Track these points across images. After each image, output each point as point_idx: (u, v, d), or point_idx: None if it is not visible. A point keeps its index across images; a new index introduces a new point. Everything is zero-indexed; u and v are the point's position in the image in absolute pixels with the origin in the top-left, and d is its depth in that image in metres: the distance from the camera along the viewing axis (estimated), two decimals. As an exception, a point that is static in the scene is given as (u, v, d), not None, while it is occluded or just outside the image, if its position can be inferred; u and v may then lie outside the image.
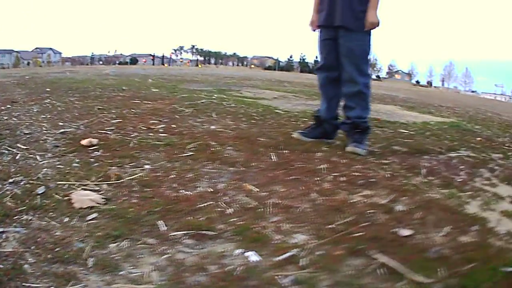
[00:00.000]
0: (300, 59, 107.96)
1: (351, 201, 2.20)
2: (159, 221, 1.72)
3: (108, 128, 3.45)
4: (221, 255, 1.51)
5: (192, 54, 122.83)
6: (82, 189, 2.03)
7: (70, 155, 2.63)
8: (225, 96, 6.80)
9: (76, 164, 2.44)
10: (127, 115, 4.18)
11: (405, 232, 1.87)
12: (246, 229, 1.71)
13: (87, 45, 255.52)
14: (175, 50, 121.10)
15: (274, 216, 1.89)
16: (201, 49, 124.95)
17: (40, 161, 2.48)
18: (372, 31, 3.43)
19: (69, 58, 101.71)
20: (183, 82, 10.07)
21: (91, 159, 2.54)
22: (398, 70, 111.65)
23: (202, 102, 5.64)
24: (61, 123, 3.60)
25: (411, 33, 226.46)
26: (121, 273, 1.38)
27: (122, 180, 2.18)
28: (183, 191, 2.11)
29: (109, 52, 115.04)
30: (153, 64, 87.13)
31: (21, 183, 2.08)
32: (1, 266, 1.35)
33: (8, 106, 4.57)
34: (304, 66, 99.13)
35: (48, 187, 2.05)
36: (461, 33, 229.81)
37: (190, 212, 1.84)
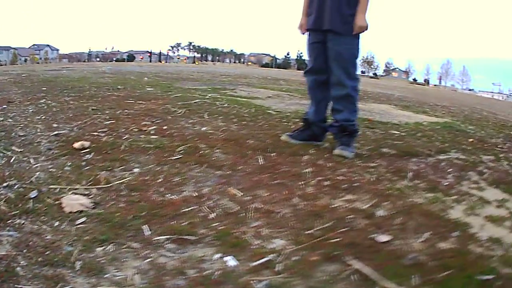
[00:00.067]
0: (297, 57, 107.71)
1: (333, 206, 2.24)
2: (144, 226, 1.80)
3: (101, 130, 3.52)
4: (200, 259, 1.59)
5: (189, 51, 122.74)
6: (73, 193, 2.11)
7: (63, 158, 2.71)
8: (218, 96, 6.85)
9: (68, 168, 2.51)
10: (120, 116, 4.25)
11: (383, 238, 1.90)
12: (227, 234, 1.78)
13: (85, 42, 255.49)
14: (172, 47, 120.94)
15: (255, 221, 1.96)
16: (198, 46, 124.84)
17: (34, 164, 2.55)
18: (360, 34, 3.46)
19: (66, 54, 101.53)
20: (179, 81, 10.11)
21: (83, 163, 2.62)
22: (395, 68, 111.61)
23: (195, 102, 5.70)
24: (55, 125, 3.67)
25: (408, 31, 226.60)
26: (106, 276, 1.46)
27: (111, 184, 2.26)
28: (169, 195, 2.18)
29: (106, 48, 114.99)
30: (150, 61, 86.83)
31: (15, 187, 2.16)
32: (-5, 268, 1.43)
33: (4, 106, 4.64)
34: (301, 64, 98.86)
35: (40, 191, 2.12)
36: (459, 31, 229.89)
37: (174, 216, 1.92)
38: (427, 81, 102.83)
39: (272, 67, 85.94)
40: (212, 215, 1.98)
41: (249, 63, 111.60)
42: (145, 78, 10.14)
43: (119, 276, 1.47)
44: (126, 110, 4.62)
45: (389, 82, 49.57)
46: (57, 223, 1.80)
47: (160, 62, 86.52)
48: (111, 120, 3.99)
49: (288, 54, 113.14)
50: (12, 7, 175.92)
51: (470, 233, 2.08)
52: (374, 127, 4.99)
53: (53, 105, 4.81)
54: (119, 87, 7.23)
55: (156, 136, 3.46)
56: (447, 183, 2.89)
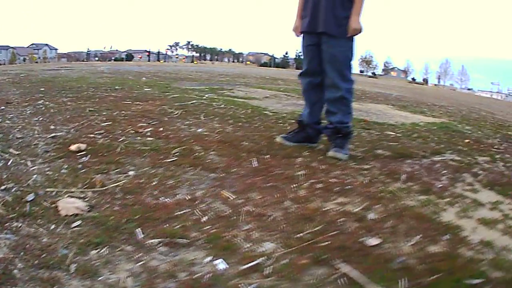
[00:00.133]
0: (296, 56, 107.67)
1: (324, 209, 2.27)
2: (137, 229, 1.84)
3: (97, 132, 3.56)
4: (191, 262, 1.63)
5: (188, 50, 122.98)
6: (69, 196, 2.15)
7: (59, 160, 2.75)
8: (216, 96, 6.89)
9: (64, 171, 2.55)
10: (117, 118, 4.29)
11: (373, 241, 1.92)
12: (218, 238, 1.82)
13: (83, 41, 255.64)
14: (170, 46, 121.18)
15: (246, 224, 2.00)
16: (197, 45, 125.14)
17: (31, 167, 2.59)
18: (355, 37, 3.48)
19: (65, 54, 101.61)
20: (177, 81, 10.15)
21: (79, 165, 2.66)
22: (394, 67, 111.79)
23: (192, 103, 5.73)
24: (52, 127, 3.71)
25: (407, 30, 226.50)
26: (99, 278, 1.50)
27: (106, 187, 2.30)
28: (163, 198, 2.22)
29: (104, 48, 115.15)
30: (149, 60, 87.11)
31: (12, 190, 2.19)
32: (-7, 271, 1.47)
33: (3, 107, 4.69)
34: (299, 63, 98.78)
35: (37, 194, 2.16)
36: (457, 30, 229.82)
37: (167, 220, 1.96)
38: (425, 81, 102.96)
39: (271, 67, 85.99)
40: (204, 218, 2.02)
41: (248, 63, 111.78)
42: (143, 78, 10.18)
43: (113, 278, 1.51)
44: (123, 112, 4.66)
45: (387, 81, 49.47)
46: (53, 226, 1.84)
47: (159, 61, 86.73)
48: (107, 122, 4.03)
49: (286, 53, 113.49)
50: (11, 7, 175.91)
51: (461, 236, 2.09)
52: (370, 128, 5.01)
53: (51, 106, 4.85)
54: (116, 87, 7.27)
55: (152, 138, 3.50)
56: (440, 185, 2.90)
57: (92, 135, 3.43)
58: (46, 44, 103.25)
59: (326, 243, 1.86)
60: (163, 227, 1.88)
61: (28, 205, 2.02)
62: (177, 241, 1.77)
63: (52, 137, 3.33)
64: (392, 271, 1.68)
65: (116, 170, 2.62)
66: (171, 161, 2.89)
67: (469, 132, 5.65)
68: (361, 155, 3.56)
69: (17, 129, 3.56)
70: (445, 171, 3.28)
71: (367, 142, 4.11)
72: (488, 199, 2.70)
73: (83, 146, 2.99)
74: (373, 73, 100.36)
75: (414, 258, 1.80)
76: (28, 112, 4.44)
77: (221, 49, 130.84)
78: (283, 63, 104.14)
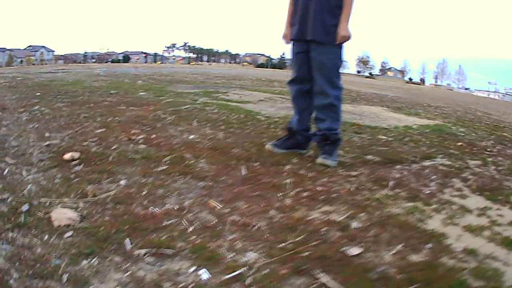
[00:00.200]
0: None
1: (308, 218, 2.31)
2: (126, 240, 1.92)
3: (91, 140, 3.63)
4: (177, 272, 1.71)
5: (185, 51, 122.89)
6: (62, 206, 2.23)
7: (53, 170, 2.82)
8: (209, 100, 6.97)
9: (58, 180, 2.63)
10: (111, 124, 4.37)
11: (354, 251, 1.95)
12: (203, 248, 1.90)
13: (80, 43, 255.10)
14: (167, 48, 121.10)
15: (231, 234, 2.07)
16: (194, 46, 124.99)
17: (26, 177, 2.67)
18: (343, 44, 3.52)
19: (62, 56, 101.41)
20: (172, 83, 10.22)
21: (72, 175, 2.73)
22: (391, 68, 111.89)
23: (186, 108, 5.82)
24: (47, 134, 3.78)
25: (404, 30, 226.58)
26: (90, 288, 1.59)
27: (97, 198, 2.38)
28: (152, 208, 2.30)
29: (101, 49, 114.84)
30: (146, 62, 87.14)
31: (8, 200, 2.27)
32: (-11, 282, 1.55)
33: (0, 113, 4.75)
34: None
35: (31, 204, 2.23)
36: (454, 30, 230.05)
37: (155, 230, 2.04)
38: (422, 80, 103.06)
39: (268, 67, 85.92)
40: (191, 228, 2.09)
41: (245, 63, 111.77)
42: (139, 81, 10.26)
43: (102, 288, 1.59)
44: (117, 118, 4.74)
45: (384, 82, 49.52)
46: (46, 237, 1.91)
47: (156, 62, 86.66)
48: (101, 129, 4.11)
49: (283, 54, 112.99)
50: (7, 9, 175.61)
51: (445, 245, 2.11)
52: (361, 132, 5.05)
53: (46, 112, 4.93)
54: (112, 91, 7.35)
55: (144, 146, 3.57)
56: (428, 192, 2.93)
57: (85, 143, 3.51)
58: (43, 46, 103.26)
59: (308, 253, 1.90)
60: (150, 238, 1.96)
61: (23, 215, 2.09)
62: (164, 251, 1.85)
63: (47, 145, 3.40)
64: (370, 281, 1.72)
65: (108, 180, 2.69)
66: (161, 169, 2.97)
67: (463, 134, 5.68)
68: (350, 161, 3.60)
69: (13, 137, 3.63)
70: (434, 177, 3.30)
71: (357, 148, 4.14)
72: (476, 205, 2.73)
73: (76, 154, 3.07)
74: (370, 73, 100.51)
75: (394, 267, 1.83)
76: (24, 118, 4.52)
77: (218, 50, 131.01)
78: (280, 64, 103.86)
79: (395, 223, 2.32)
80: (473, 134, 5.84)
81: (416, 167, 3.59)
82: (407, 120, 6.72)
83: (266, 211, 2.38)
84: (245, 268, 1.76)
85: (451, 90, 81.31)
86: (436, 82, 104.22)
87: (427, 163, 3.76)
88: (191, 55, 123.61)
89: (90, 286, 1.59)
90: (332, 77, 3.54)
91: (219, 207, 2.39)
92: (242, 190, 2.68)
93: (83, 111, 5.04)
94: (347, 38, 3.47)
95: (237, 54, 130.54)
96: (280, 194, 2.67)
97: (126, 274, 1.68)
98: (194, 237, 2.01)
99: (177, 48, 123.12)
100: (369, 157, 3.79)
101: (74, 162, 2.97)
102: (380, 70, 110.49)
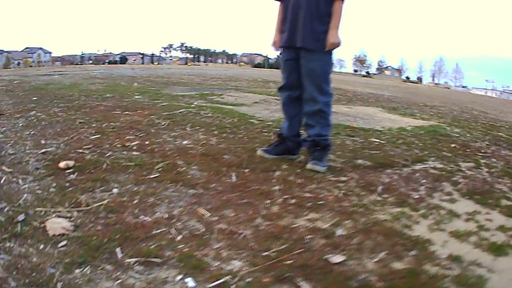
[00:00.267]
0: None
1: (294, 225, 2.36)
2: (117, 249, 2.00)
3: (86, 147, 3.70)
4: (164, 281, 1.80)
5: (182, 52, 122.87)
6: (56, 216, 2.32)
7: (49, 178, 2.90)
8: (204, 104, 7.04)
9: (53, 189, 2.71)
10: (106, 130, 4.45)
11: (337, 258, 1.99)
12: (190, 256, 1.98)
13: (77, 44, 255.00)
14: (164, 48, 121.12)
15: (217, 242, 2.15)
16: (190, 47, 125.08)
17: (22, 185, 2.75)
18: (333, 50, 3.58)
19: (59, 57, 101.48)
20: (168, 86, 10.28)
21: (66, 183, 2.81)
22: (388, 66, 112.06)
23: (181, 112, 5.89)
24: (43, 141, 3.86)
25: (400, 29, 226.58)
26: (82, 296, 1.68)
27: (90, 207, 2.46)
28: (142, 217, 2.38)
29: (98, 50, 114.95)
30: (143, 63, 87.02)
31: (5, 210, 2.35)
32: (-12, 291, 1.64)
33: (-4, 119, 4.84)
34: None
35: (27, 214, 2.31)
36: (451, 28, 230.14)
37: (145, 239, 2.12)
38: (420, 79, 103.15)
39: (264, 67, 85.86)
40: (179, 237, 2.17)
41: (242, 64, 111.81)
42: (135, 83, 10.32)
43: (93, 296, 1.68)
44: (112, 123, 4.82)
45: (381, 81, 49.47)
46: (42, 246, 1.99)
47: (153, 63, 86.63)
48: (96, 135, 4.19)
49: (280, 54, 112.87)
50: (4, 11, 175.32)
51: (429, 251, 2.14)
52: (354, 135, 5.12)
53: (42, 118, 5.00)
54: (107, 95, 7.42)
55: (138, 153, 3.65)
56: (417, 196, 2.98)
57: (80, 150, 3.58)
58: (40, 48, 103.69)
59: (291, 261, 1.95)
60: (140, 247, 2.04)
61: (20, 225, 2.17)
62: (152, 260, 1.93)
63: (42, 153, 3.48)
64: (352, 288, 1.76)
65: (101, 188, 2.77)
66: (153, 177, 3.05)
67: (457, 135, 5.73)
68: (340, 166, 3.66)
69: (10, 144, 3.71)
70: (424, 181, 3.36)
71: (349, 151, 4.20)
72: (465, 209, 2.78)
73: (71, 163, 3.15)
74: (367, 72, 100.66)
75: (375, 275, 1.87)
76: (20, 124, 4.60)
77: (215, 50, 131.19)
78: (277, 64, 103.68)
79: (380, 230, 2.36)
80: (468, 135, 5.88)
81: (407, 171, 3.64)
82: (401, 121, 6.76)
83: (253, 219, 2.44)
84: (229, 276, 1.84)
85: (448, 88, 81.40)
86: (433, 80, 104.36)
87: (418, 166, 3.81)
88: (188, 55, 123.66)
89: (82, 294, 1.68)
90: (322, 83, 3.59)
91: (207, 215, 2.47)
92: (231, 198, 2.75)
93: (78, 116, 5.12)
94: (337, 45, 3.52)
95: (234, 54, 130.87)
96: (268, 201, 2.73)
97: (116, 283, 1.77)
98: (182, 245, 2.09)
99: (174, 49, 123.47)
100: (360, 161, 3.85)
101: (68, 171, 3.05)
102: (377, 69, 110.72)
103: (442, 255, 2.10)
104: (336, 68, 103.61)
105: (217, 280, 1.81)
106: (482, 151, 4.75)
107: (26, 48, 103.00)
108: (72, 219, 2.31)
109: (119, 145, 3.84)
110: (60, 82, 10.06)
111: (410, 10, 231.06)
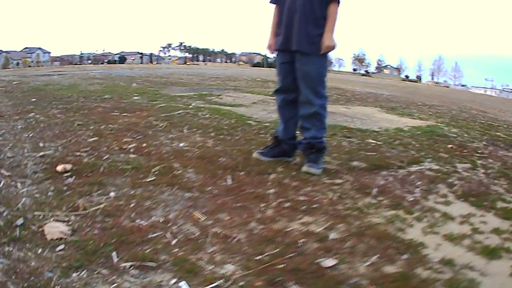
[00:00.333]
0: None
1: (287, 229, 2.38)
2: (113, 253, 2.04)
3: (84, 150, 3.74)
4: (159, 284, 1.84)
5: (181, 51, 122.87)
6: (54, 220, 2.36)
7: (47, 182, 2.94)
8: (202, 105, 7.07)
9: (51, 193, 2.75)
10: (104, 132, 4.49)
11: (329, 262, 2.01)
12: (184, 260, 2.02)
13: (76, 44, 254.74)
14: (163, 48, 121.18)
15: (212, 246, 2.19)
16: (189, 46, 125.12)
17: (20, 189, 2.79)
18: (328, 53, 3.60)
19: (58, 57, 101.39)
20: (167, 86, 10.30)
21: (64, 187, 2.85)
22: (387, 65, 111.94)
23: (178, 113, 5.92)
24: (41, 144, 3.90)
25: (399, 28, 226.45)
26: (79, 299, 1.72)
27: (87, 211, 2.50)
28: (139, 221, 2.42)
29: (97, 50, 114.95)
30: (142, 63, 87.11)
31: (4, 214, 2.39)
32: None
33: (-5, 121, 4.87)
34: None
35: (26, 218, 2.35)
36: (450, 27, 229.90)
37: (140, 243, 2.16)
38: (419, 78, 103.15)
39: (264, 67, 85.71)
40: (174, 241, 2.21)
41: (240, 63, 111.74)
42: (134, 84, 10.34)
43: (89, 300, 1.73)
44: (110, 125, 4.86)
45: (380, 80, 49.39)
46: (40, 250, 2.03)
47: (152, 63, 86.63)
48: (94, 137, 4.22)
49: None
50: (3, 11, 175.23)
51: (422, 255, 2.14)
52: (351, 136, 5.13)
53: (41, 120, 5.05)
54: (106, 96, 7.46)
55: (135, 155, 3.68)
56: (412, 199, 2.99)
57: (78, 153, 3.62)
58: (39, 48, 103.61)
59: (283, 265, 1.98)
60: (136, 251, 2.08)
61: (18, 229, 2.21)
62: (147, 264, 1.97)
63: (40, 156, 3.51)
64: (342, 293, 1.79)
65: (98, 192, 2.81)
66: (150, 180, 3.08)
67: (455, 135, 5.72)
68: (335, 168, 3.68)
69: (9, 147, 3.75)
70: (419, 183, 3.37)
71: (345, 153, 4.21)
72: (459, 212, 2.79)
73: (68, 166, 3.18)
74: (366, 71, 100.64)
75: (367, 279, 1.89)
76: (19, 127, 4.64)
77: (214, 49, 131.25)
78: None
79: (374, 233, 2.37)
80: (466, 135, 5.87)
81: (403, 172, 3.65)
82: (399, 122, 6.75)
83: (247, 223, 2.47)
84: (222, 280, 1.88)
85: (448, 87, 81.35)
86: (432, 79, 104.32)
87: (414, 168, 3.82)
88: (187, 55, 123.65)
89: (79, 298, 1.73)
90: (317, 86, 3.62)
91: (202, 219, 2.50)
92: (226, 201, 2.79)
93: (77, 118, 5.16)
94: (332, 48, 3.54)
95: (233, 54, 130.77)
96: (263, 204, 2.76)
97: (112, 286, 1.81)
98: (177, 249, 2.13)
99: (173, 48, 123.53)
100: (356, 163, 3.86)
101: (66, 174, 3.09)
102: (376, 67, 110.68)
103: (435, 259, 2.11)
104: (335, 67, 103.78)
105: (210, 284, 1.85)
106: (479, 151, 4.75)
107: (25, 48, 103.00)
108: (69, 223, 2.35)
109: (117, 148, 3.87)
110: (59, 83, 10.10)
111: (409, 9, 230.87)
